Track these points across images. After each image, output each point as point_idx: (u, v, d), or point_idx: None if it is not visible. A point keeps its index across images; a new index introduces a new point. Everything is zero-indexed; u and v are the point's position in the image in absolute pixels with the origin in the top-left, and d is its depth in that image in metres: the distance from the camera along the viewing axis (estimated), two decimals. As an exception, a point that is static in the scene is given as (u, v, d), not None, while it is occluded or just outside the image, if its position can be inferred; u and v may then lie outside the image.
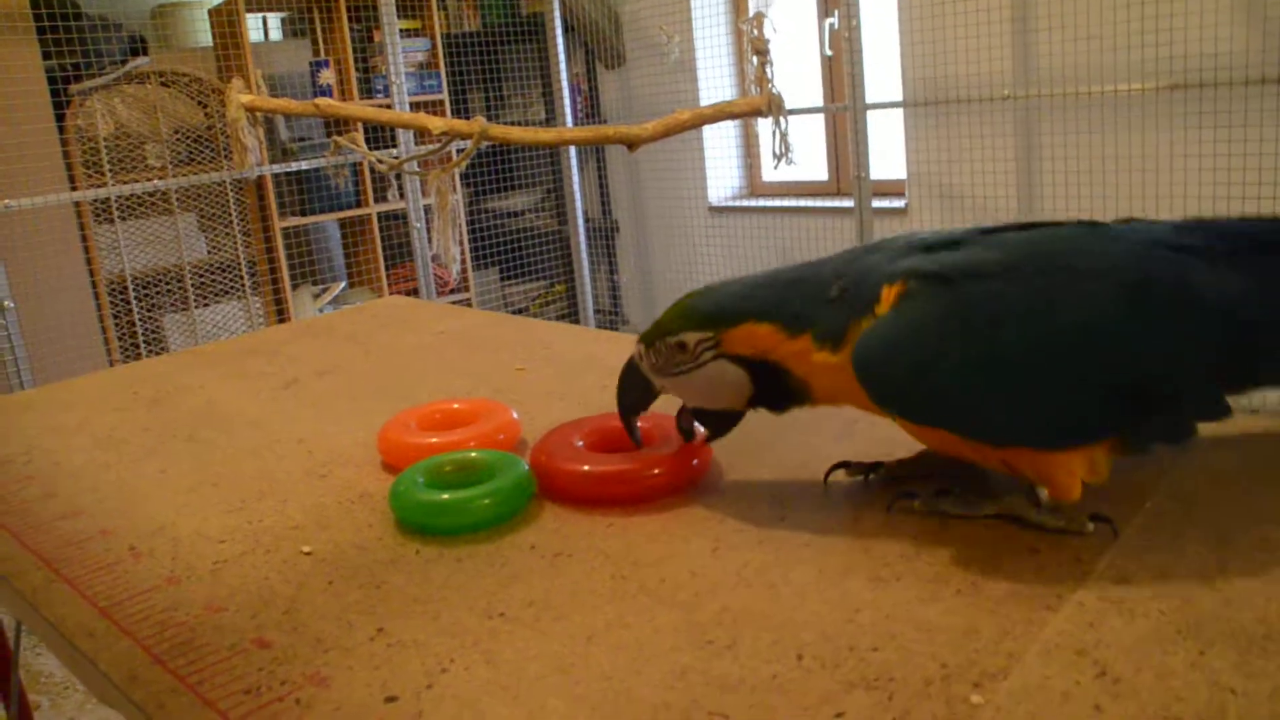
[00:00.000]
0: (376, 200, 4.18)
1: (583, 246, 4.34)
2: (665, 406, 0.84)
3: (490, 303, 4.71)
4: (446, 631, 0.63)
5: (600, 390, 1.11)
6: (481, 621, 0.64)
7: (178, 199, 3.74)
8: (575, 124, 4.38)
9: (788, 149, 2.89)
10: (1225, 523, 0.67)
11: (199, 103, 3.79)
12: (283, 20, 4.43)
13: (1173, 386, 0.67)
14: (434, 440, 0.91)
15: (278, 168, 3.72)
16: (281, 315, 3.96)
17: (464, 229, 4.40)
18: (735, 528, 0.74)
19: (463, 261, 4.37)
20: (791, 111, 2.93)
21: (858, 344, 0.68)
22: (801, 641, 0.58)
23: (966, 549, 0.67)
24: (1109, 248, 0.69)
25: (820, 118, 4.10)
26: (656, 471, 0.80)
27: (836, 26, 3.42)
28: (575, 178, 4.28)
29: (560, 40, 4.14)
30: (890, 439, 0.84)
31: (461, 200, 4.34)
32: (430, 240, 3.42)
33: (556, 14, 4.10)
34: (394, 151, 3.85)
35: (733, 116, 3.04)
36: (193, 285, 3.81)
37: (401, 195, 4.01)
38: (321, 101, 2.91)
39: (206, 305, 3.88)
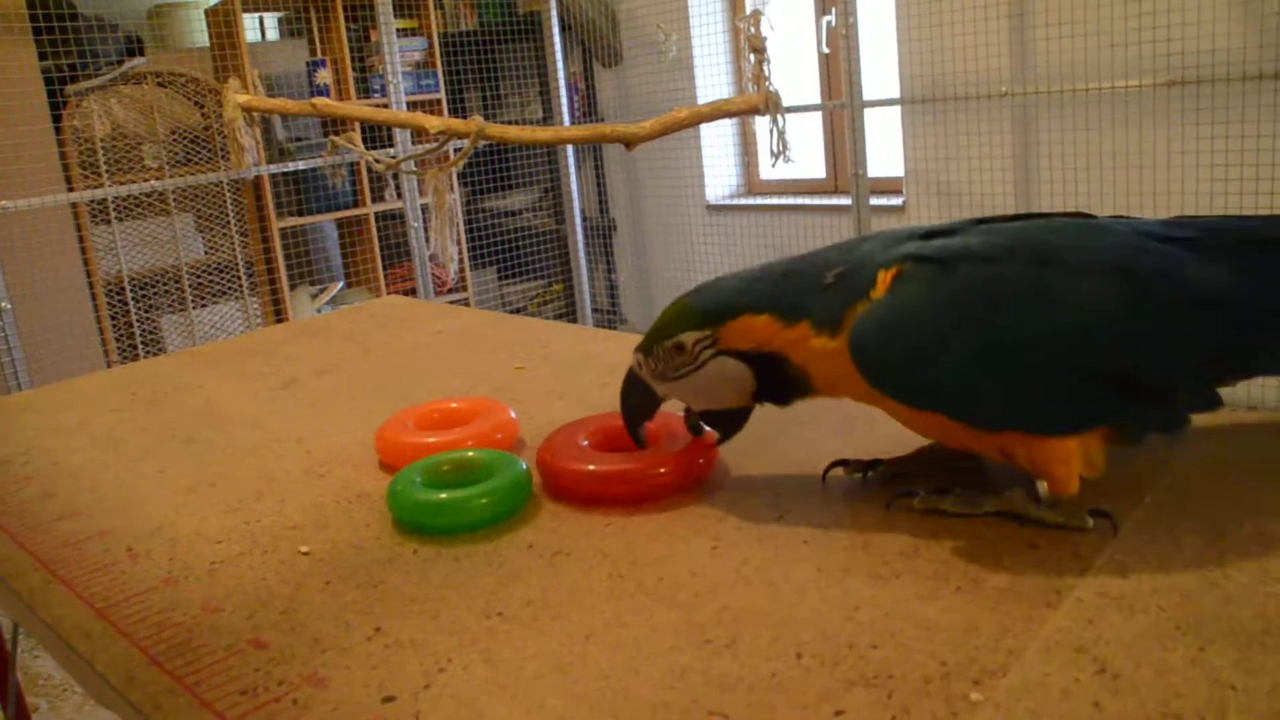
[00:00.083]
0: (374, 200, 4.17)
1: (580, 246, 4.34)
2: (666, 405, 0.84)
3: (488, 302, 4.71)
4: (444, 631, 0.63)
5: (599, 389, 1.11)
6: (479, 621, 0.64)
7: (175, 199, 3.73)
8: (572, 123, 4.37)
9: (785, 147, 2.89)
10: (1224, 518, 0.67)
11: (196, 103, 3.78)
12: (279, 20, 4.42)
13: (1163, 376, 0.68)
14: (432, 440, 0.91)
15: (275, 168, 3.71)
16: (279, 315, 3.96)
17: (461, 228, 4.40)
18: (734, 526, 0.74)
19: (460, 261, 4.36)
20: (789, 109, 2.93)
21: (853, 326, 0.69)
22: (801, 640, 0.58)
23: (966, 546, 0.67)
24: (1100, 238, 0.70)
25: (818, 115, 4.10)
26: (662, 470, 0.80)
27: (834, 24, 3.42)
28: (573, 177, 4.28)
29: (557, 39, 4.13)
30: (889, 436, 0.84)
31: (459, 200, 4.34)
32: (428, 240, 3.42)
33: (554, 12, 4.10)
34: (391, 151, 3.84)
35: (730, 114, 3.04)
36: (190, 286, 3.81)
37: (399, 195, 4.00)
38: (318, 101, 2.91)
39: (204, 306, 3.88)
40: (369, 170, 4.03)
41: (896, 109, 3.64)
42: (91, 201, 3.50)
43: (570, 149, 4.25)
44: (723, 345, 0.74)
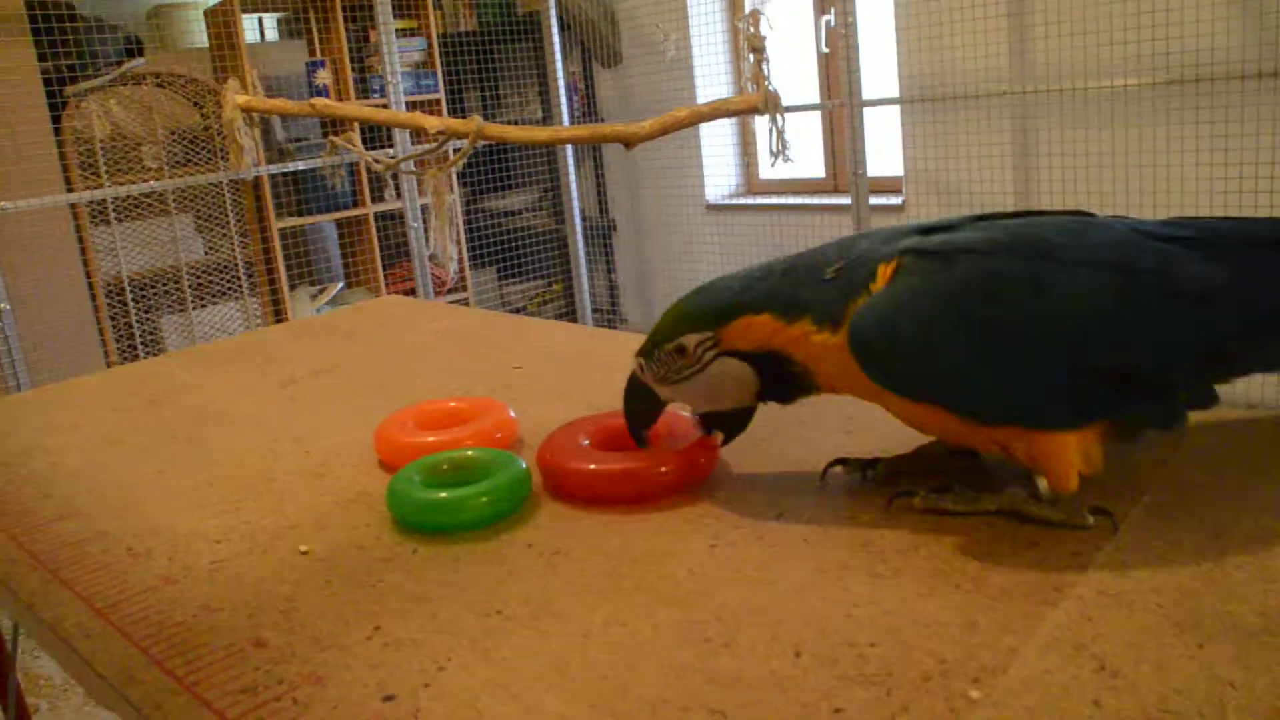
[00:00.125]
0: (374, 200, 4.17)
1: (580, 245, 4.33)
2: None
3: (488, 302, 4.71)
4: (444, 630, 0.63)
5: (597, 388, 1.11)
6: (479, 620, 0.64)
7: (174, 200, 3.73)
8: (572, 123, 4.37)
9: (785, 146, 2.88)
10: (1223, 515, 0.67)
11: (195, 104, 3.78)
12: (279, 21, 4.42)
13: (1159, 371, 0.68)
14: (431, 439, 0.91)
15: (274, 168, 3.71)
16: (279, 316, 3.95)
17: (461, 228, 4.40)
18: (733, 524, 0.74)
19: (460, 261, 4.36)
20: (788, 109, 2.92)
21: (853, 319, 0.69)
22: (800, 638, 0.58)
23: (965, 544, 0.67)
24: (1097, 235, 0.70)
25: (817, 115, 4.09)
26: (665, 470, 0.80)
27: (833, 23, 3.42)
28: (572, 177, 4.27)
29: (557, 39, 4.13)
30: (888, 435, 0.84)
31: (459, 200, 4.34)
32: (427, 240, 3.42)
33: (553, 13, 4.09)
34: (390, 151, 3.84)
35: (730, 114, 3.04)
36: (190, 286, 3.81)
37: (398, 195, 4.00)
38: (318, 102, 2.91)
39: (204, 306, 3.87)
40: (368, 170, 4.03)
41: (896, 108, 3.64)
42: (91, 202, 3.50)
43: (570, 149, 4.25)
44: (724, 346, 0.74)
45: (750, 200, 4.39)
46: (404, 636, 0.63)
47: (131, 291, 3.68)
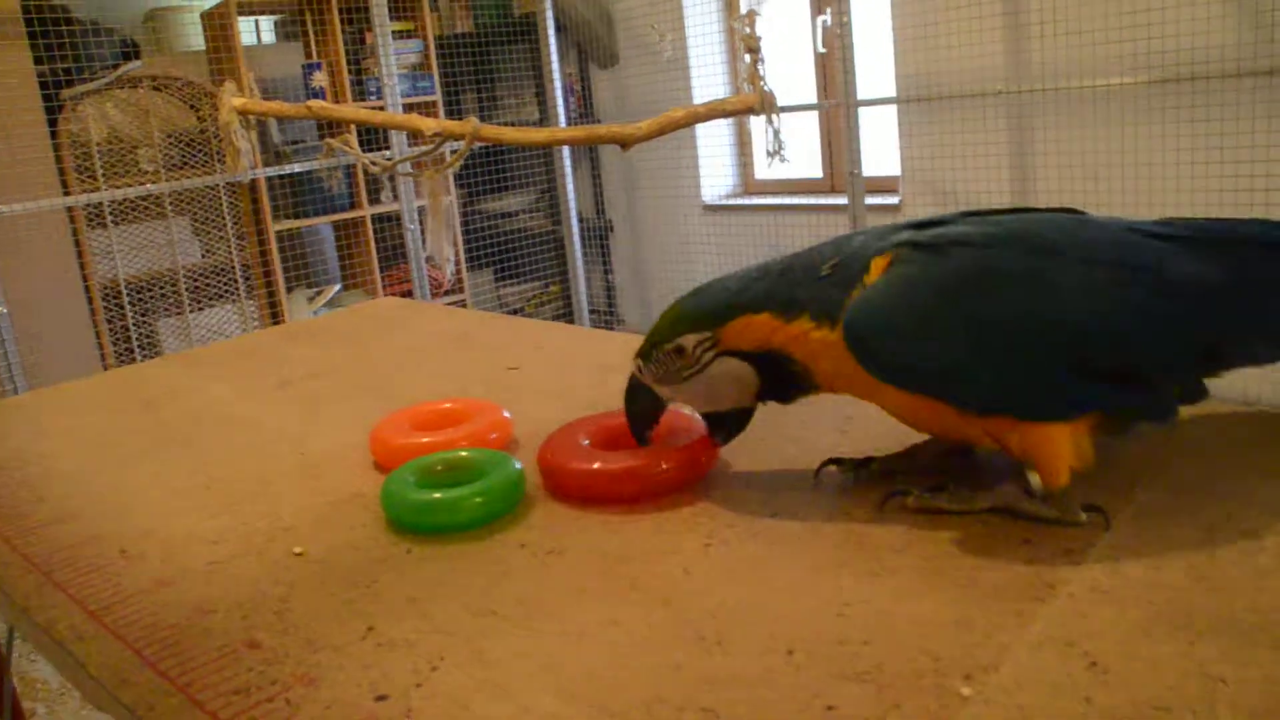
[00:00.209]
0: (370, 202, 4.17)
1: (577, 247, 4.33)
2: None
3: (485, 304, 4.71)
4: (437, 630, 0.63)
5: (594, 388, 1.11)
6: (472, 619, 0.64)
7: (171, 203, 3.73)
8: (568, 124, 4.37)
9: (780, 146, 2.88)
10: (1215, 512, 0.67)
11: (191, 106, 3.78)
12: (275, 23, 4.42)
13: (1148, 363, 0.69)
14: (426, 440, 0.91)
15: (271, 171, 3.71)
16: (276, 319, 3.95)
17: (458, 230, 4.39)
18: (728, 524, 0.74)
19: (457, 263, 4.36)
20: (784, 109, 2.92)
21: (848, 310, 0.69)
22: (793, 636, 0.58)
23: (959, 541, 0.67)
24: (1089, 230, 0.71)
25: (814, 115, 4.10)
26: (666, 467, 0.80)
27: (829, 23, 3.42)
28: (569, 178, 4.27)
29: (553, 40, 4.13)
30: (882, 435, 0.84)
31: (455, 201, 4.33)
32: (424, 242, 3.42)
33: (549, 14, 4.09)
34: (387, 153, 3.84)
35: (726, 114, 3.04)
36: (187, 289, 3.81)
37: (395, 197, 4.00)
38: (314, 104, 2.91)
39: (201, 309, 3.87)
40: (365, 173, 4.03)
41: (892, 108, 3.64)
42: (88, 206, 3.50)
43: (566, 150, 4.25)
44: (724, 346, 0.74)
45: (747, 200, 4.40)
46: (397, 637, 0.63)
47: (128, 295, 3.68)
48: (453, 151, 2.87)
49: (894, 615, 0.59)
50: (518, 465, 0.82)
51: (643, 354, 0.77)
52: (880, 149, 3.76)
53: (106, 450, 1.08)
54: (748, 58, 2.84)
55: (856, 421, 0.91)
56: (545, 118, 4.46)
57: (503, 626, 0.63)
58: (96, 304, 3.61)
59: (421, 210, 3.64)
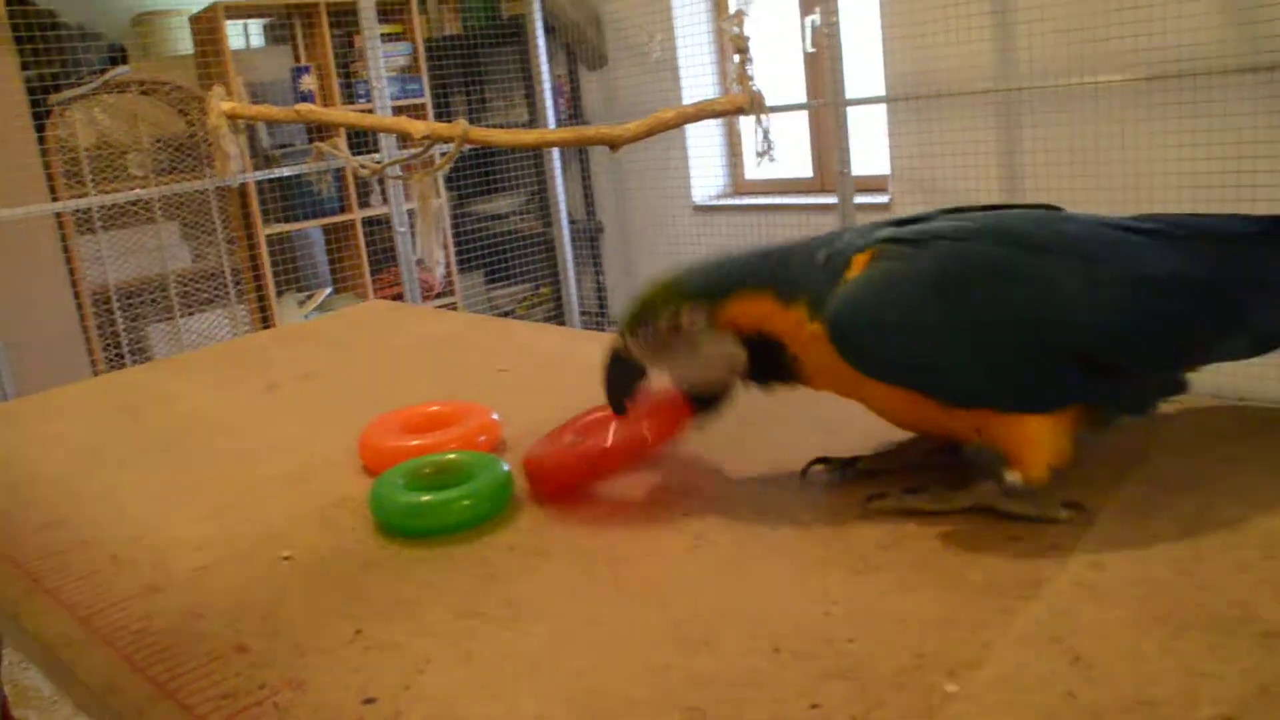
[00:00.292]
0: (360, 206, 4.17)
1: (567, 248, 4.33)
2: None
3: (476, 306, 4.70)
4: (425, 632, 0.63)
5: (582, 390, 1.11)
6: (460, 622, 0.64)
7: (160, 208, 3.72)
8: (558, 125, 4.37)
9: (770, 146, 2.89)
10: (1199, 507, 0.68)
11: (180, 111, 3.77)
12: (263, 27, 4.41)
13: (1125, 356, 0.69)
14: (414, 443, 0.91)
15: (260, 175, 3.70)
16: (267, 323, 3.94)
17: (448, 233, 4.39)
18: (713, 523, 0.74)
19: (447, 265, 4.36)
20: (773, 108, 2.93)
21: (831, 305, 0.69)
22: (778, 635, 0.58)
23: (944, 539, 0.68)
24: (1064, 225, 0.72)
25: (803, 114, 4.10)
26: (645, 432, 0.80)
27: (818, 23, 3.43)
28: (559, 179, 4.27)
29: (542, 42, 4.13)
30: (867, 434, 0.84)
31: (445, 204, 4.33)
32: (414, 244, 3.42)
33: (538, 16, 4.09)
34: (376, 156, 3.83)
35: (715, 115, 3.03)
36: (177, 294, 3.80)
37: (385, 200, 4.00)
38: (303, 108, 2.90)
39: (191, 314, 3.86)
40: (355, 176, 4.03)
41: (881, 107, 3.65)
42: (76, 211, 3.49)
43: (556, 152, 4.25)
44: (718, 320, 0.74)
45: (737, 201, 4.40)
46: (385, 639, 0.63)
47: (118, 300, 3.67)
48: (442, 154, 2.86)
49: (879, 613, 0.60)
50: (505, 468, 0.82)
51: (629, 324, 0.77)
52: (869, 148, 3.77)
53: (95, 456, 1.07)
54: (736, 58, 2.84)
55: (842, 421, 0.91)
56: (534, 119, 4.46)
57: (490, 628, 0.63)
58: (86, 309, 3.60)
59: (411, 213, 3.64)
